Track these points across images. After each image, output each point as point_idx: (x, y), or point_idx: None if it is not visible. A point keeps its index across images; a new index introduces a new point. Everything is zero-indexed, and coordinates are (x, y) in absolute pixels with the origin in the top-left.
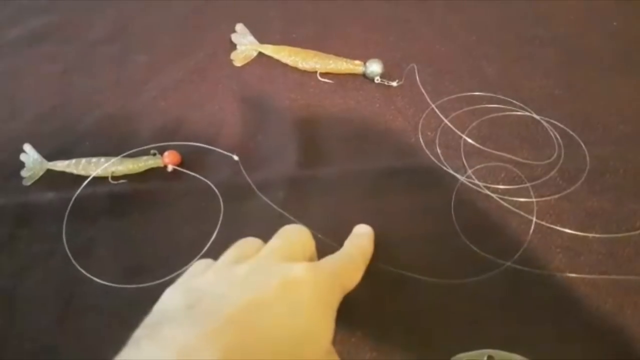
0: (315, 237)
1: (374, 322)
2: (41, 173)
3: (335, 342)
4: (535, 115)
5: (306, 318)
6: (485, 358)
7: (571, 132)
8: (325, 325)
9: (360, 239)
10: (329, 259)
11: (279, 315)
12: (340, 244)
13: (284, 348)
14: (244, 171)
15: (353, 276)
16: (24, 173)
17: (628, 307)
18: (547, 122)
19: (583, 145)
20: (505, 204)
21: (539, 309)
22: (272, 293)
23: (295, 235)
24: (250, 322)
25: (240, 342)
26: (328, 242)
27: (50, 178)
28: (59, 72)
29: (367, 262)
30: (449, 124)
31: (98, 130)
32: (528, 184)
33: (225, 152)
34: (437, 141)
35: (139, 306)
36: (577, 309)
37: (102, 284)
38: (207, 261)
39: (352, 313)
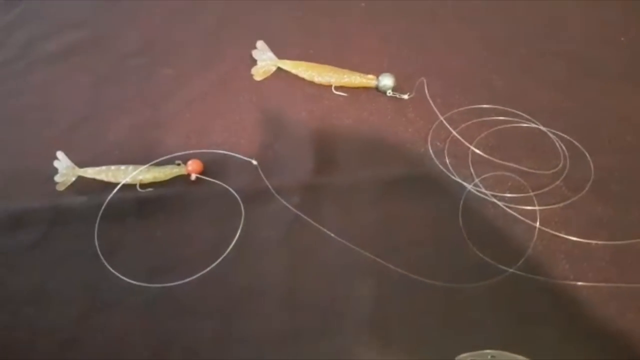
0: (329, 237)
1: (381, 323)
2: (73, 179)
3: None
4: (542, 127)
5: None
6: (489, 357)
7: (577, 143)
8: None
9: None
10: None
11: None
12: (353, 245)
13: None
14: (262, 175)
15: None
16: (57, 178)
17: (630, 312)
18: (554, 133)
19: (588, 156)
20: (511, 212)
21: (542, 313)
22: None
23: None
24: None
25: None
26: (341, 242)
27: (82, 184)
28: (90, 83)
29: None
30: (457, 135)
31: (127, 139)
32: (532, 193)
33: (245, 158)
34: (446, 151)
35: (161, 304)
36: (580, 313)
37: (127, 283)
38: None
39: (358, 313)
